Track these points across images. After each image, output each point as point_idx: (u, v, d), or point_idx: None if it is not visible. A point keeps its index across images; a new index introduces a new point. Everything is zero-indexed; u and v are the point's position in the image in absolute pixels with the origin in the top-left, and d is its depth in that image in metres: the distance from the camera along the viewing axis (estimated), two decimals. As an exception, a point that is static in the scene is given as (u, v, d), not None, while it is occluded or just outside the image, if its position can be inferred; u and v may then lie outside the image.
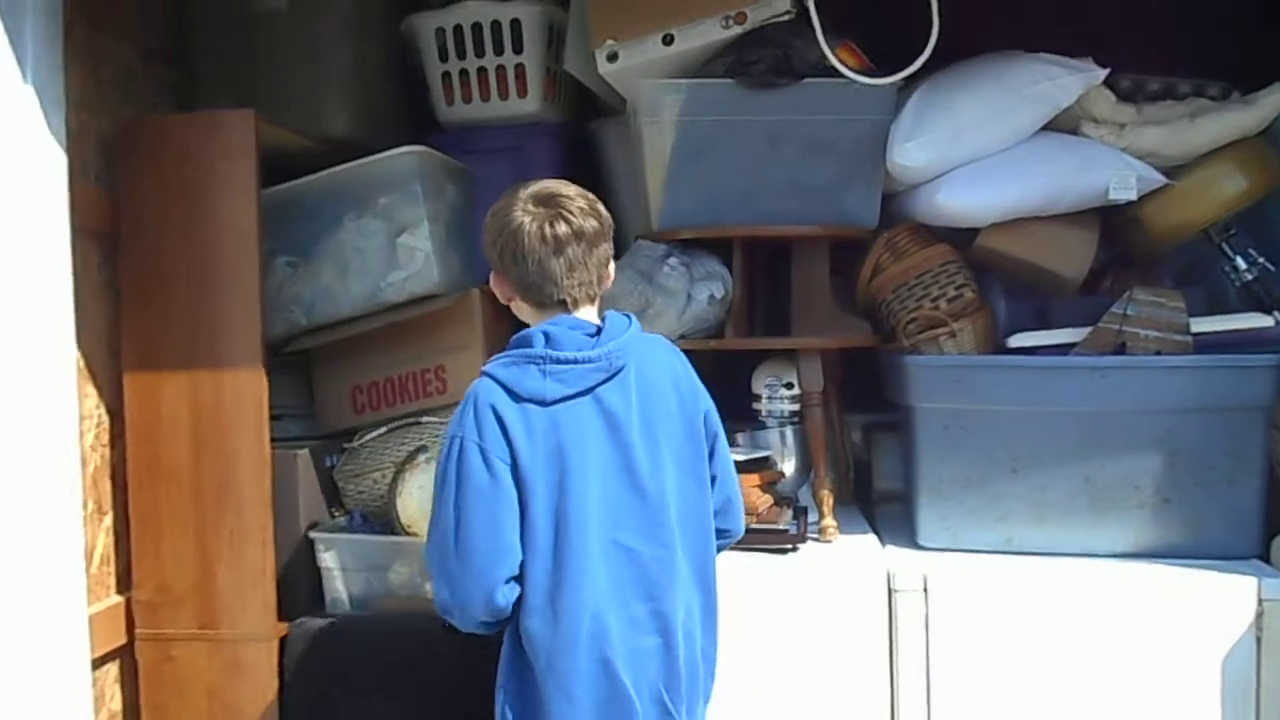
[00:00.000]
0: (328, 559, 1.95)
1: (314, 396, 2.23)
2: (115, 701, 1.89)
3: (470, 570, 1.29)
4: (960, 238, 2.02)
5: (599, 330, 1.37)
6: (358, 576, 1.95)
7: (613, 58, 1.98)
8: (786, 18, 1.92)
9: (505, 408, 1.31)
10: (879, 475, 2.23)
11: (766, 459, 1.96)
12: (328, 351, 2.17)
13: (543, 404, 1.31)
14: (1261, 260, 2.00)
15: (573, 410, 1.32)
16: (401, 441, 2.07)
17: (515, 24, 2.26)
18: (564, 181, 1.41)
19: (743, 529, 1.51)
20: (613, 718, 1.31)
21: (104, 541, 1.88)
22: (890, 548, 1.87)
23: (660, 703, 1.33)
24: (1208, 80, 2.01)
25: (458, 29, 2.28)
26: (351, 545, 1.96)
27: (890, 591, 1.72)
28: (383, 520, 2.00)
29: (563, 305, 1.37)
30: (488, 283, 1.47)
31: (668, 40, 1.94)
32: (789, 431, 2.05)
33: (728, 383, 2.13)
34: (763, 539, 1.83)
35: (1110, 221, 2.00)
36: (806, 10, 1.89)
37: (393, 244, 2.01)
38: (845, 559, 1.82)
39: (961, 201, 1.93)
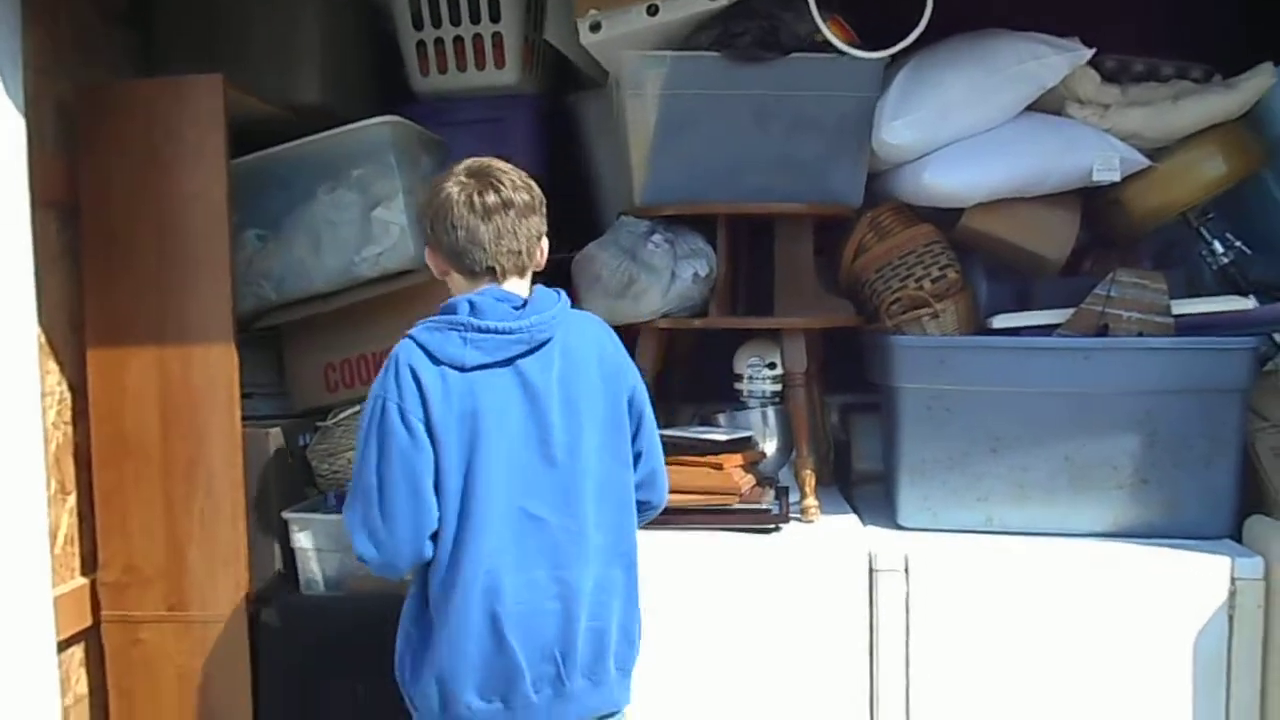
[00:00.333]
0: (302, 539, 1.91)
1: (285, 374, 2.18)
2: (81, 685, 1.85)
3: (397, 528, 1.35)
4: (943, 218, 2.01)
5: (526, 303, 1.41)
6: (332, 557, 1.92)
7: (595, 28, 1.94)
8: (774, -9, 1.88)
9: (423, 369, 1.36)
10: (858, 456, 2.23)
11: (748, 439, 1.95)
12: (299, 328, 2.11)
13: (461, 370, 1.36)
14: (1238, 244, 2.02)
15: (491, 379, 1.37)
16: (376, 420, 2.02)
17: (493, -9, 2.20)
18: (499, 159, 1.46)
19: (664, 501, 1.55)
20: (497, 672, 1.37)
21: (68, 522, 1.82)
22: (871, 528, 1.87)
23: (554, 664, 1.38)
24: (1190, 63, 2.02)
25: (433, -6, 2.22)
26: (326, 525, 1.92)
27: (872, 571, 1.72)
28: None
29: (491, 274, 1.41)
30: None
31: (652, 10, 1.90)
32: (770, 412, 2.04)
33: (710, 361, 2.13)
34: (745, 519, 1.83)
35: (1091, 203, 2.01)
36: (795, -17, 1.86)
37: (367, 217, 1.96)
38: (827, 539, 1.82)
39: (947, 181, 1.92)
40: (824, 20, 1.87)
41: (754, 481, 1.89)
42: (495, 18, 2.23)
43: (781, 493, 1.94)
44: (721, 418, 2.04)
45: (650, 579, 1.74)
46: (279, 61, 2.05)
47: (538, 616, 1.37)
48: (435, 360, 1.36)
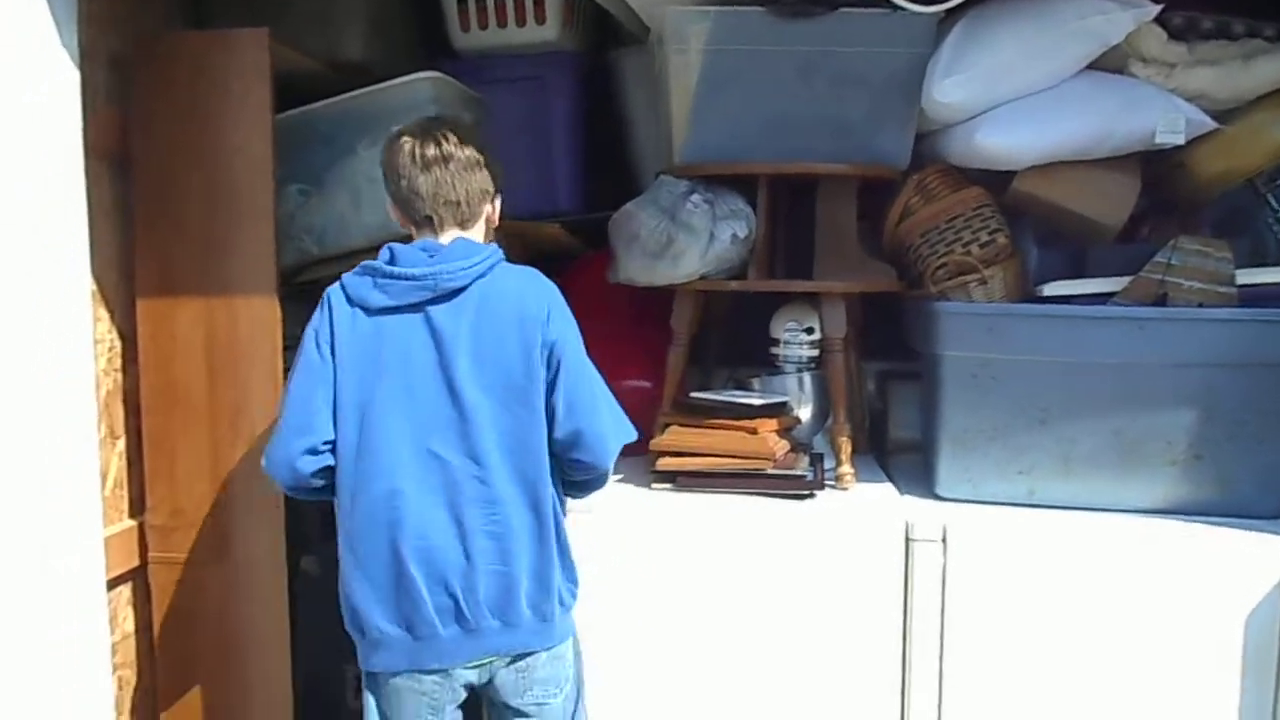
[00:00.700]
0: (340, 490, 1.94)
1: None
2: (129, 622, 1.91)
3: (280, 436, 1.47)
4: (993, 180, 1.94)
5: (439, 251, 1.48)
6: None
7: (639, -19, 1.90)
8: (823, -58, 1.83)
9: (339, 306, 1.48)
10: (894, 424, 2.19)
11: (784, 404, 1.92)
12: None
13: (367, 311, 1.46)
14: (1309, 212, 1.92)
15: (398, 322, 1.46)
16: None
17: (536, -55, 2.18)
18: (456, 120, 1.58)
19: (607, 464, 1.52)
20: (402, 599, 1.46)
21: (117, 465, 1.88)
22: (908, 497, 1.84)
23: (452, 599, 1.45)
24: (1263, 21, 1.91)
25: (476, -50, 2.20)
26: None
27: (908, 541, 1.69)
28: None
29: (430, 224, 1.50)
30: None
31: (697, -37, 1.86)
32: (807, 377, 2.00)
33: (746, 324, 2.10)
34: (779, 484, 1.81)
35: (1151, 167, 1.92)
36: (845, -65, 1.80)
37: (408, 174, 1.95)
38: (863, 507, 1.79)
39: (1001, 142, 1.85)
40: (875, -27, 1.81)
41: (788, 447, 1.86)
42: (537, -27, 2.20)
43: (816, 459, 1.91)
44: (756, 382, 2.01)
45: (682, 542, 1.74)
46: (323, 18, 2.05)
47: (436, 552, 1.45)
48: (350, 301, 1.48)
